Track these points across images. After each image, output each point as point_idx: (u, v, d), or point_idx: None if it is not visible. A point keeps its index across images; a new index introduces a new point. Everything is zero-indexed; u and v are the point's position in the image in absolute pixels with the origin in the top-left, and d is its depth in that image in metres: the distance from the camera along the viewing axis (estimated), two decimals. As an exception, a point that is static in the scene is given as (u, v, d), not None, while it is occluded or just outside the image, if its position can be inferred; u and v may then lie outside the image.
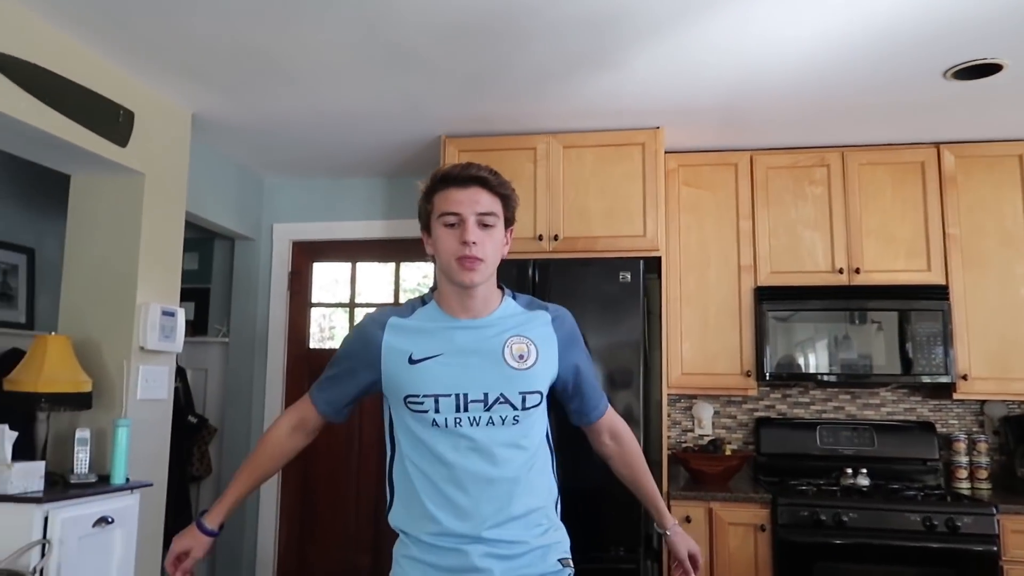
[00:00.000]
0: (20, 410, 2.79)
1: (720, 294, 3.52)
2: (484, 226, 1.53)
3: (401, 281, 4.33)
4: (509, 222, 1.60)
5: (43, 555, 2.34)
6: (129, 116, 2.91)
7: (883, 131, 3.41)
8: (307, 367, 4.25)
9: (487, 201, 1.54)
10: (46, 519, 2.37)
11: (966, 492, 3.32)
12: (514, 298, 1.65)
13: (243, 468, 1.67)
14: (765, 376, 3.41)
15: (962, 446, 3.48)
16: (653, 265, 3.36)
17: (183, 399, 4.04)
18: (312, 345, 4.33)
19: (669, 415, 3.71)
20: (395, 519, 1.58)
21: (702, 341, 3.50)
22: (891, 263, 3.43)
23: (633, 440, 1.77)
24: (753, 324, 3.46)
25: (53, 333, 2.80)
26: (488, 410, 1.51)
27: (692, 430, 3.79)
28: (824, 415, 3.71)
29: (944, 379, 3.29)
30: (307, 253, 4.35)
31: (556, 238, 3.35)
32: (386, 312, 1.62)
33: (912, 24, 2.46)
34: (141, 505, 2.78)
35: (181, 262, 3.26)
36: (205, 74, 2.91)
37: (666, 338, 3.43)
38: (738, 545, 3.11)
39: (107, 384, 2.90)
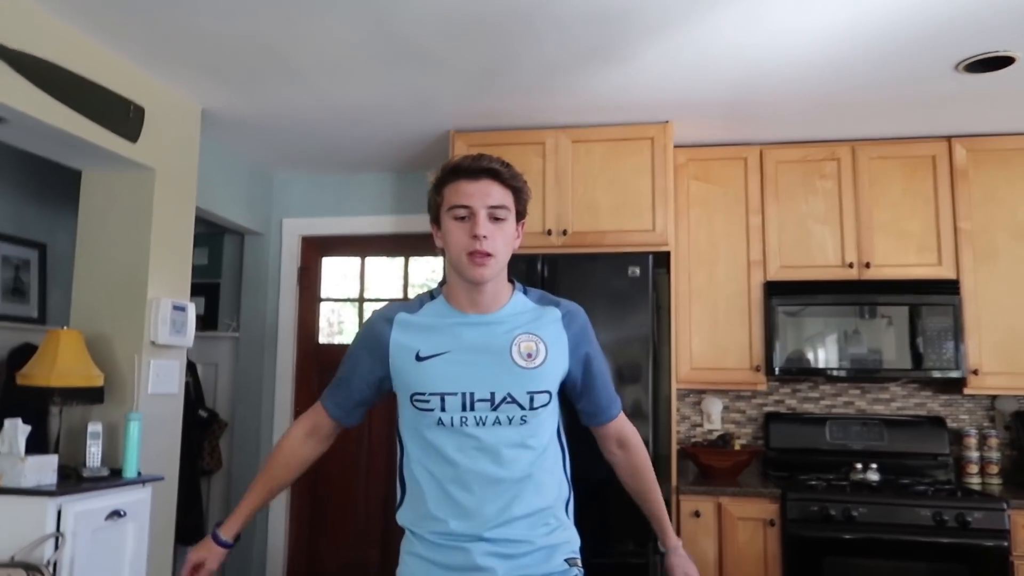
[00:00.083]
0: (33, 404, 2.82)
1: (729, 289, 3.52)
2: (495, 219, 1.48)
3: (410, 276, 4.33)
4: (521, 215, 1.55)
5: (56, 548, 2.36)
6: (139, 112, 2.92)
7: (894, 125, 3.39)
8: (316, 362, 4.27)
9: (498, 194, 1.49)
10: (59, 512, 2.39)
11: (977, 487, 3.30)
12: (525, 293, 1.60)
13: (257, 479, 1.64)
14: (775, 371, 3.40)
15: (973, 441, 3.46)
16: (662, 260, 3.36)
17: (194, 393, 4.06)
18: (321, 340, 4.34)
19: (678, 410, 3.71)
20: (402, 517, 1.56)
21: (711, 336, 3.50)
22: (902, 257, 3.42)
23: (642, 451, 1.69)
24: (762, 319, 3.45)
25: (65, 328, 2.82)
26: (495, 410, 1.47)
27: (701, 425, 3.79)
28: (834, 410, 3.70)
29: (955, 374, 3.28)
30: (316, 248, 4.37)
31: (565, 233, 3.35)
32: (394, 308, 1.59)
33: (923, 17, 2.44)
34: (153, 498, 2.80)
35: (191, 257, 3.27)
36: (214, 69, 2.92)
37: (675, 333, 3.43)
38: (747, 540, 3.11)
39: (119, 378, 2.92)
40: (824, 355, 3.39)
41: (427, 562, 1.49)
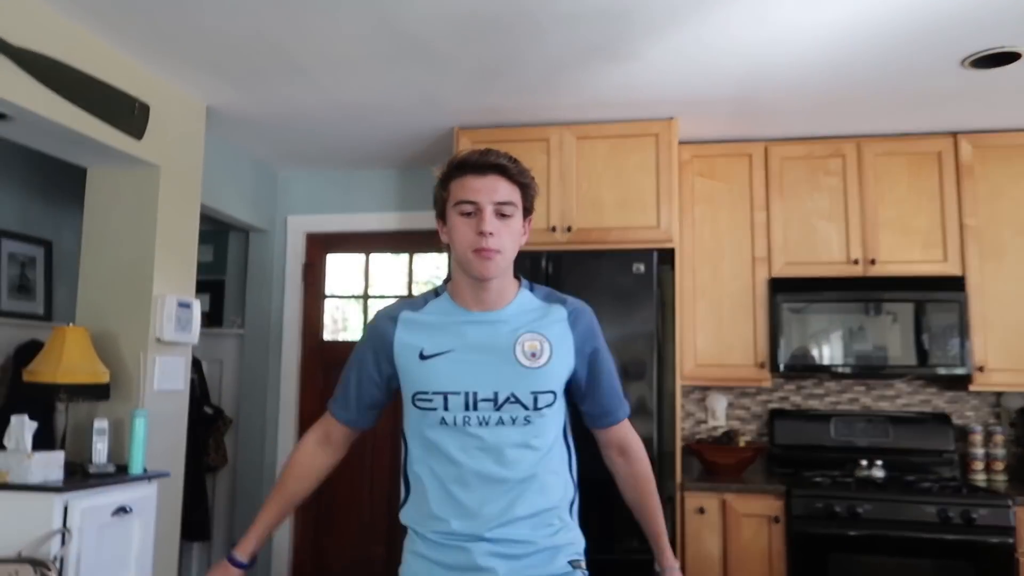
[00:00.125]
0: (39, 401, 2.83)
1: (734, 285, 3.51)
2: (502, 216, 1.46)
3: (414, 272, 4.34)
4: (527, 212, 1.52)
5: (63, 543, 2.37)
6: (144, 109, 2.93)
7: (899, 121, 3.38)
8: (321, 359, 4.27)
9: (505, 190, 1.46)
10: (66, 508, 2.40)
11: (982, 484, 3.30)
12: (531, 290, 1.57)
13: (271, 495, 1.60)
14: (779, 367, 3.40)
15: (978, 438, 3.46)
16: (667, 257, 3.35)
17: (199, 390, 4.07)
18: (326, 337, 4.35)
19: (683, 406, 3.71)
20: (405, 516, 1.55)
21: (716, 332, 3.50)
22: (907, 254, 3.41)
23: (645, 462, 1.63)
24: (767, 315, 3.45)
25: (71, 325, 2.82)
26: (498, 410, 1.45)
27: (706, 421, 3.79)
28: (839, 407, 3.69)
29: (960, 371, 3.27)
30: (321, 245, 4.37)
31: (569, 230, 3.35)
32: (398, 306, 1.57)
33: (929, 12, 2.43)
34: (159, 495, 2.81)
35: (196, 254, 3.28)
36: (219, 66, 2.92)
37: (680, 329, 3.43)
38: (752, 537, 3.11)
39: (124, 375, 2.93)
40: (829, 352, 3.39)
41: (429, 561, 1.48)
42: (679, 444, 3.31)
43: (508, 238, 1.47)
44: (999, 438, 3.44)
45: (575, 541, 1.55)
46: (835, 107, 3.24)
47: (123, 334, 2.97)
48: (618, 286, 3.18)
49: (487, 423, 1.46)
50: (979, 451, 3.45)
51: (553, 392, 1.49)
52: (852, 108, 3.25)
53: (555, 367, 1.49)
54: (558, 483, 1.53)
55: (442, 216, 1.52)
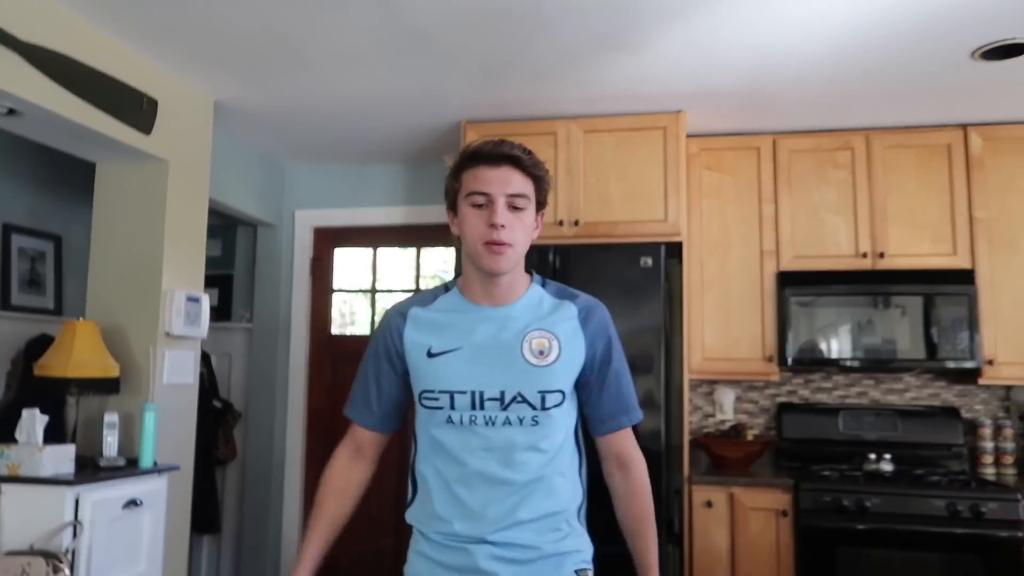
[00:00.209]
0: (50, 394, 2.85)
1: (742, 279, 3.50)
2: (514, 208, 1.43)
3: (422, 267, 4.34)
4: (540, 205, 1.49)
5: (75, 536, 2.39)
6: (152, 104, 2.93)
7: (908, 113, 3.36)
8: (329, 352, 4.29)
9: (519, 182, 1.43)
10: (77, 501, 2.42)
11: (991, 478, 3.29)
12: (543, 285, 1.53)
13: (313, 522, 1.54)
14: (787, 361, 3.39)
15: (987, 432, 3.44)
16: (674, 250, 3.35)
17: (208, 384, 4.09)
18: (334, 331, 4.36)
19: (690, 400, 3.70)
20: (411, 515, 1.53)
21: (724, 326, 3.49)
22: (916, 247, 3.39)
23: (644, 481, 1.53)
24: (775, 309, 3.44)
25: (81, 319, 2.84)
26: (505, 409, 1.42)
27: (713, 415, 3.78)
28: (847, 400, 3.68)
29: (969, 364, 3.26)
30: (328, 239, 4.38)
31: (576, 223, 3.35)
32: (408, 302, 1.54)
33: (939, 4, 2.42)
34: (169, 488, 2.82)
35: (205, 248, 3.29)
36: (226, 61, 2.93)
37: (687, 323, 3.42)
38: (759, 530, 3.11)
39: (134, 369, 2.95)
40: (837, 345, 3.38)
41: (432, 562, 1.46)
42: (687, 438, 3.31)
43: (520, 231, 1.44)
44: (1008, 432, 3.43)
45: (583, 548, 1.50)
46: (844, 99, 3.22)
47: (132, 328, 2.98)
48: (626, 280, 3.18)
49: (493, 423, 1.42)
50: (988, 445, 3.43)
51: (561, 392, 1.45)
52: (861, 100, 3.23)
53: (564, 366, 1.45)
54: (566, 486, 1.48)
55: (453, 207, 1.48)
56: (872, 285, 3.37)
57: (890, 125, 3.48)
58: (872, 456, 3.32)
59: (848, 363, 3.38)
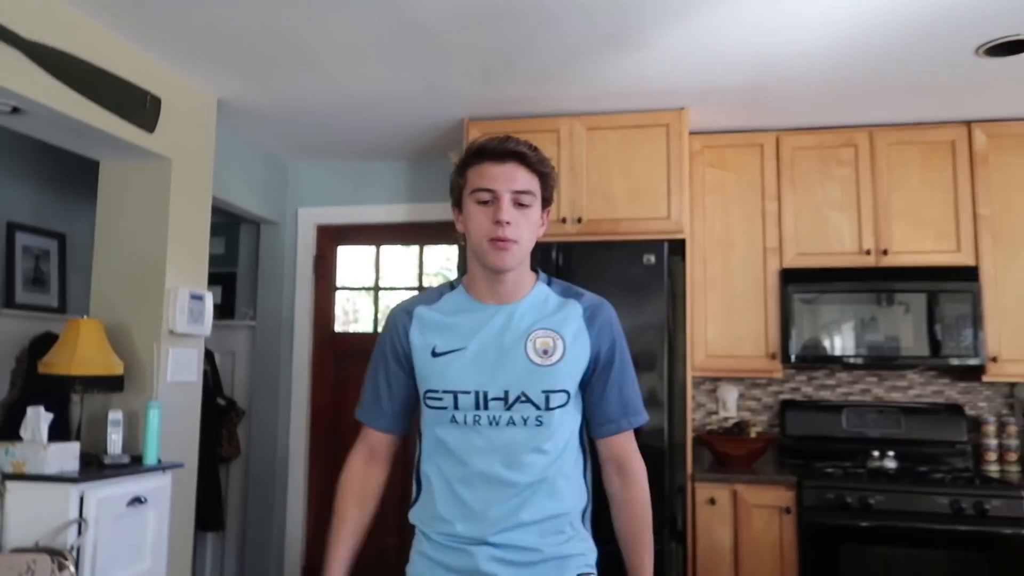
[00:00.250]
0: (55, 392, 2.86)
1: (745, 276, 3.50)
2: (520, 205, 1.41)
3: (425, 264, 4.34)
4: (546, 202, 1.47)
5: (79, 533, 2.39)
6: (156, 102, 2.94)
7: (912, 110, 3.35)
8: (332, 350, 4.29)
9: (524, 178, 1.42)
10: (82, 498, 2.42)
11: (995, 475, 3.28)
12: (549, 284, 1.52)
13: (335, 531, 1.52)
14: (790, 358, 3.39)
15: (991, 429, 3.44)
16: (678, 247, 3.35)
17: (212, 382, 4.09)
18: (337, 328, 4.36)
19: (693, 397, 3.70)
20: (414, 515, 1.52)
21: (727, 323, 3.49)
22: (920, 244, 3.39)
23: (643, 488, 1.51)
24: (779, 306, 3.44)
25: (85, 317, 2.84)
26: (509, 409, 1.41)
27: (717, 412, 3.78)
28: (850, 397, 3.68)
29: (973, 361, 3.25)
30: (331, 237, 4.38)
31: (580, 221, 3.35)
32: (413, 301, 1.54)
33: (943, 0, 2.41)
34: (173, 485, 2.83)
35: (208, 246, 3.29)
36: (229, 59, 2.93)
37: (691, 320, 3.42)
38: (763, 528, 3.11)
39: (138, 367, 2.95)
40: (841, 342, 3.38)
41: (433, 563, 1.45)
42: (690, 435, 3.31)
43: (525, 228, 1.43)
44: (1012, 429, 3.42)
45: (586, 552, 1.48)
46: (847, 96, 3.22)
47: (136, 326, 2.99)
48: (629, 277, 3.18)
49: (497, 423, 1.41)
50: (992, 442, 3.43)
51: (566, 391, 1.44)
52: (864, 97, 3.22)
53: (568, 365, 1.44)
54: (570, 488, 1.46)
55: (458, 204, 1.48)
56: (876, 282, 3.36)
57: (894, 122, 3.48)
58: (876, 453, 3.32)
59: (851, 360, 3.38)
